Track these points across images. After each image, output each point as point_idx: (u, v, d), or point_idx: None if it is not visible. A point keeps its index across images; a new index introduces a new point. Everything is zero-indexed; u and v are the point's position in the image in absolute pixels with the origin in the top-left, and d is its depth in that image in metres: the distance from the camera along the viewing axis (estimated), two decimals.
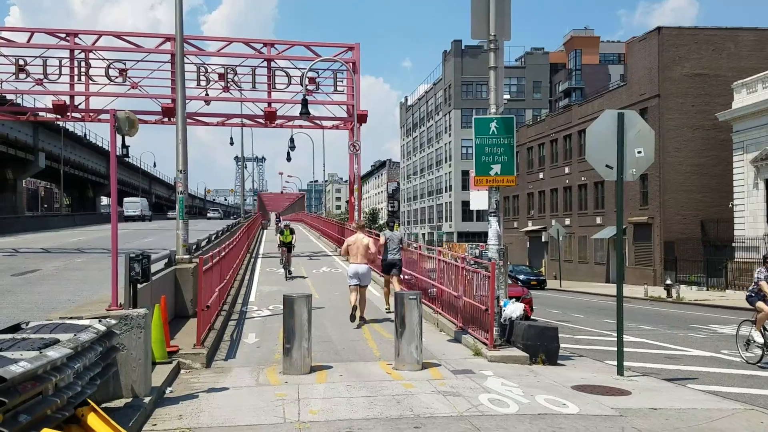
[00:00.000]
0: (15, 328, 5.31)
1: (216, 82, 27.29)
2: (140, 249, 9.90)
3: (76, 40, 26.47)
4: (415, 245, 17.30)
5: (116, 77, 26.55)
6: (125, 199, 65.20)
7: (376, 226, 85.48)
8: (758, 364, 10.80)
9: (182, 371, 8.55)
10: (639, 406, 7.14)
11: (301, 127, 31.76)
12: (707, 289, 33.78)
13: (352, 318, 12.19)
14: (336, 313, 13.80)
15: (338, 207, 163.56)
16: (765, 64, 36.25)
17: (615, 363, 9.22)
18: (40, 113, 31.63)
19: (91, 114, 27.62)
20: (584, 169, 45.57)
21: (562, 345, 10.41)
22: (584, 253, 47.73)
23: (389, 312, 13.24)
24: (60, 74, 26.23)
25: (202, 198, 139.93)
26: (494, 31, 10.23)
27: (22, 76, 26.08)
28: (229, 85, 27.30)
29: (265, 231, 52.16)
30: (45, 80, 26.22)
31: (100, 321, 5.76)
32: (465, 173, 68.49)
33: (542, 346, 9.74)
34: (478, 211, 68.71)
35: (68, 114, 27.08)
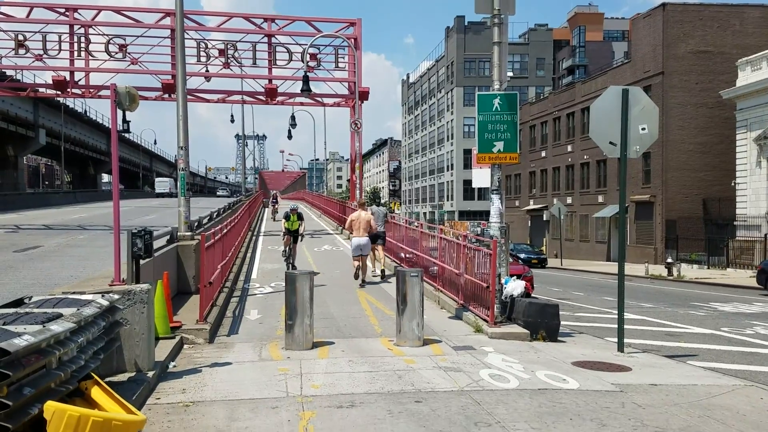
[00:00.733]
0: (18, 303, 5.33)
1: (216, 58, 27.04)
2: (142, 226, 9.91)
3: (76, 15, 26.19)
4: (416, 223, 17.30)
5: (116, 53, 26.32)
6: (157, 179, 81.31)
7: (377, 204, 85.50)
8: None
9: (185, 346, 8.60)
10: (639, 382, 7.18)
11: (302, 104, 31.54)
12: (708, 268, 33.83)
13: (356, 276, 14.85)
14: (338, 291, 13.84)
15: (339, 186, 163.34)
16: None
17: (615, 340, 9.27)
18: (40, 89, 31.38)
19: (92, 90, 27.44)
20: (587, 148, 45.37)
21: (562, 322, 10.44)
22: (585, 231, 47.73)
23: (375, 276, 15.56)
24: (60, 50, 25.99)
25: (203, 176, 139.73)
26: (498, 5, 10.11)
27: (21, 51, 25.84)
28: (229, 61, 27.07)
29: (266, 209, 52.16)
30: (45, 56, 25.99)
31: (102, 296, 5.77)
32: (467, 152, 68.24)
33: (543, 323, 9.78)
34: (479, 190, 68.69)
35: (68, 90, 26.90)
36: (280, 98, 29.20)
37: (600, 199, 45.13)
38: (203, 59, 26.99)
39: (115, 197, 8.07)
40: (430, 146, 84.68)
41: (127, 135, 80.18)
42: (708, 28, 38.20)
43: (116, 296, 6.14)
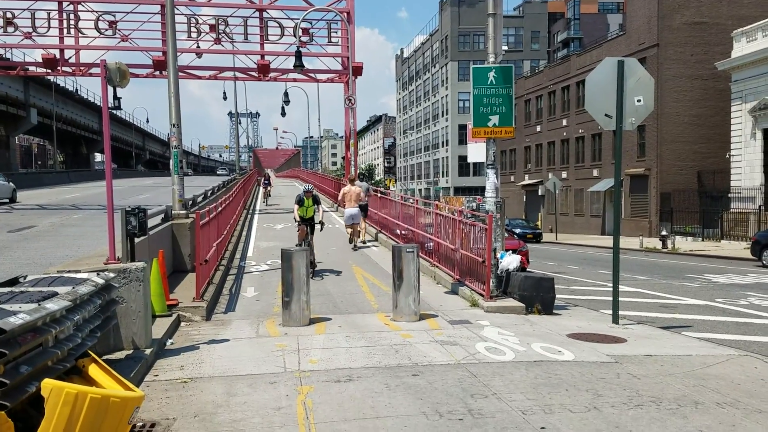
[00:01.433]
0: (13, 282, 5.31)
1: (207, 33, 26.72)
2: (136, 204, 9.87)
3: None
4: (412, 200, 17.30)
5: (106, 30, 25.96)
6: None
7: (373, 182, 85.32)
8: None
9: (182, 324, 8.62)
10: (634, 353, 7.24)
11: (295, 80, 31.25)
12: (702, 240, 34.00)
13: (350, 242, 17.14)
14: (334, 267, 13.86)
15: (334, 163, 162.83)
16: (765, 12, 35.59)
17: (610, 312, 9.32)
18: (30, 68, 31.03)
19: (82, 68, 27.11)
20: (582, 121, 45.24)
21: (557, 295, 10.50)
22: (580, 206, 47.81)
23: (359, 247, 17.16)
24: (49, 27, 25.62)
25: (197, 154, 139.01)
26: None
27: (10, 29, 25.46)
28: (220, 36, 26.74)
29: (261, 187, 52.03)
30: (34, 33, 25.61)
31: (98, 274, 5.75)
32: (462, 127, 67.97)
33: (538, 297, 9.83)
34: (474, 166, 68.56)
35: (58, 68, 26.58)
36: (272, 74, 28.94)
37: (595, 173, 45.13)
38: (194, 35, 26.67)
39: (108, 175, 8.00)
40: (424, 122, 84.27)
41: (119, 113, 79.81)
42: None
43: (112, 274, 6.12)
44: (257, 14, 27.14)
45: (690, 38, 37.75)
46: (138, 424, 4.83)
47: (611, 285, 9.35)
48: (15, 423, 3.65)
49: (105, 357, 5.96)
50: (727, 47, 34.62)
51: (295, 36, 25.72)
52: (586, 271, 19.53)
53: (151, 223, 10.24)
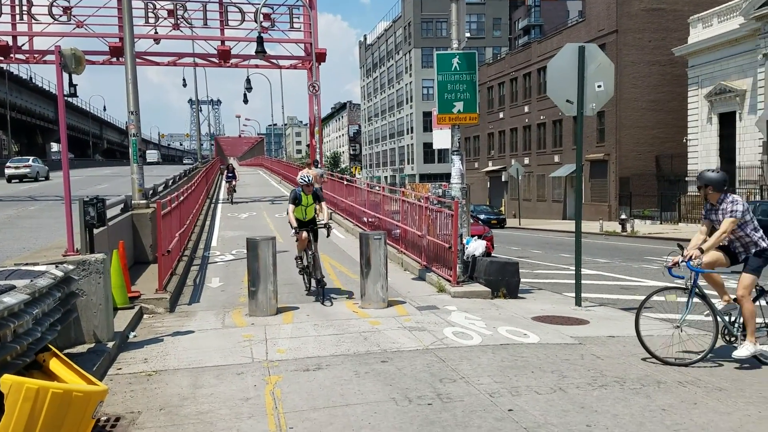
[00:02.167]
0: None
1: (165, 19, 26.12)
2: (94, 195, 9.62)
3: None
4: (378, 187, 17.27)
5: (60, 16, 25.18)
6: (148, 152, 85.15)
7: (339, 169, 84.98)
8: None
9: (145, 316, 8.46)
10: (597, 334, 7.39)
11: (257, 66, 30.84)
12: (661, 223, 34.85)
13: None
14: None
15: (299, 151, 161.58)
16: None
17: (573, 295, 9.49)
18: None
19: (36, 55, 26.27)
20: (543, 108, 45.77)
21: (522, 279, 10.64)
22: (542, 191, 48.50)
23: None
24: (0, 13, 24.70)
25: (156, 143, 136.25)
26: None
27: None
28: (179, 22, 26.18)
29: (224, 181, 51.34)
30: None
31: (57, 267, 5.59)
32: (426, 114, 68.13)
33: (503, 281, 9.94)
34: (439, 153, 68.91)
35: (11, 55, 25.70)
36: (233, 60, 28.48)
37: (556, 158, 45.79)
38: (152, 21, 26.06)
39: (64, 165, 7.77)
40: (389, 109, 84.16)
41: (75, 102, 77.56)
42: None
43: (71, 267, 5.96)
44: None
45: (648, 24, 38.44)
46: (102, 419, 4.73)
47: (573, 268, 9.51)
48: None
49: (66, 351, 5.81)
50: (684, 33, 35.38)
51: (256, 21, 25.34)
52: (548, 255, 19.84)
53: (110, 213, 10.01)
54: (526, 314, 8.51)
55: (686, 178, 34.93)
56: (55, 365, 4.44)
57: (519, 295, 10.08)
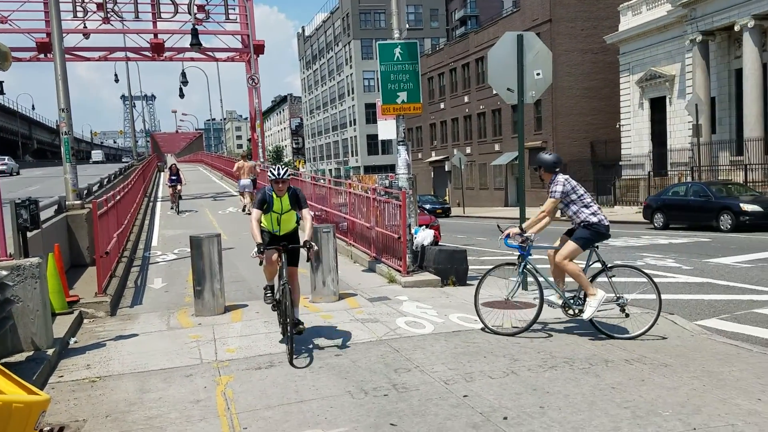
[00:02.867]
0: None
1: (94, 12, 25.09)
2: (26, 196, 9.15)
3: None
4: (324, 180, 17.14)
5: None
6: (93, 152, 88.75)
7: (282, 163, 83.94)
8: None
9: (85, 321, 8.13)
10: (544, 317, 7.53)
11: (192, 59, 30.11)
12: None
13: (244, 209, 19.79)
14: (248, 253, 13.50)
15: (240, 146, 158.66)
16: None
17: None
18: None
19: None
20: (483, 98, 46.43)
21: (470, 266, 10.75)
22: (485, 179, 49.28)
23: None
24: None
25: (89, 141, 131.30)
26: None
27: None
28: (109, 15, 25.20)
29: (162, 173, 50.00)
30: None
31: None
32: (369, 106, 68.07)
33: (452, 269, 10.02)
34: (383, 145, 69.01)
35: None
36: (167, 54, 27.67)
37: (497, 147, 46.57)
38: (80, 15, 24.98)
39: None
40: (331, 102, 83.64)
41: (1, 100, 73.70)
42: None
43: (4, 272, 5.65)
44: None
45: (580, 13, 39.44)
46: (45, 429, 4.51)
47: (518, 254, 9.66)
48: None
49: (3, 360, 5.51)
50: (614, 21, 36.46)
51: (189, 13, 24.66)
52: (493, 242, 20.15)
53: (44, 215, 9.56)
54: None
55: (620, 163, 36.11)
56: None
57: (468, 282, 10.18)
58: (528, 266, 6.94)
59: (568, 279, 6.93)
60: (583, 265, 6.81)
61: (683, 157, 30.29)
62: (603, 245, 17.09)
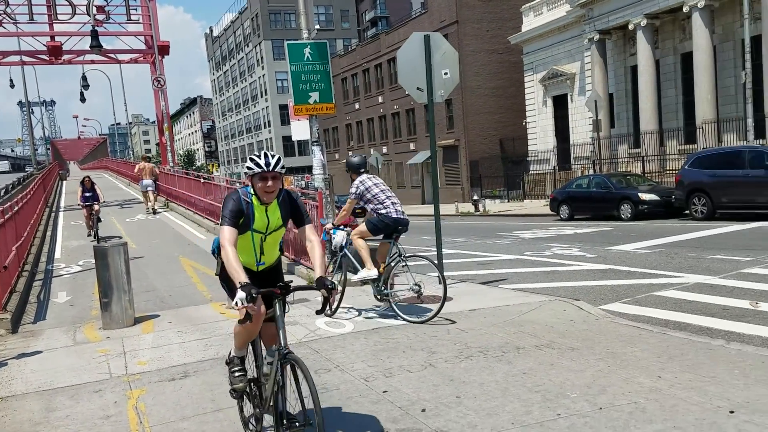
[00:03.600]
0: None
1: None
2: None
3: None
4: (224, 182, 16.82)
5: None
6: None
7: (194, 167, 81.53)
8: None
9: None
10: (460, 309, 7.73)
11: (93, 62, 28.73)
12: (508, 201, 37.21)
13: (154, 212, 22.05)
14: (159, 261, 13.09)
15: (148, 150, 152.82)
16: None
17: (436, 274, 9.84)
18: None
19: None
20: (396, 98, 46.98)
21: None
22: (401, 178, 49.91)
23: (157, 211, 22.59)
24: None
25: None
26: None
27: None
28: (1, 18, 23.63)
29: (64, 182, 47.45)
30: None
31: None
32: (283, 107, 67.23)
33: None
34: (299, 146, 68.39)
35: None
36: (66, 57, 26.29)
37: (412, 146, 47.27)
38: None
39: None
40: (243, 103, 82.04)
41: None
42: None
43: None
44: None
45: (485, 14, 40.67)
46: None
47: (435, 249, 9.87)
48: None
49: None
50: (518, 22, 37.82)
51: (88, 14, 23.54)
52: (411, 239, 20.43)
53: None
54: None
55: (528, 159, 37.52)
56: None
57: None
58: (344, 257, 8.04)
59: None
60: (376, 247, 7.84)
61: (585, 151, 31.83)
62: (515, 238, 17.66)
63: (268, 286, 3.80)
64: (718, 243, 12.50)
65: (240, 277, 3.53)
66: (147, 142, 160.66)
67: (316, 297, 8.87)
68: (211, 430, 4.42)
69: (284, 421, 3.70)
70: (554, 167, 34.15)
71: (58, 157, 75.34)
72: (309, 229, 4.05)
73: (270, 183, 3.75)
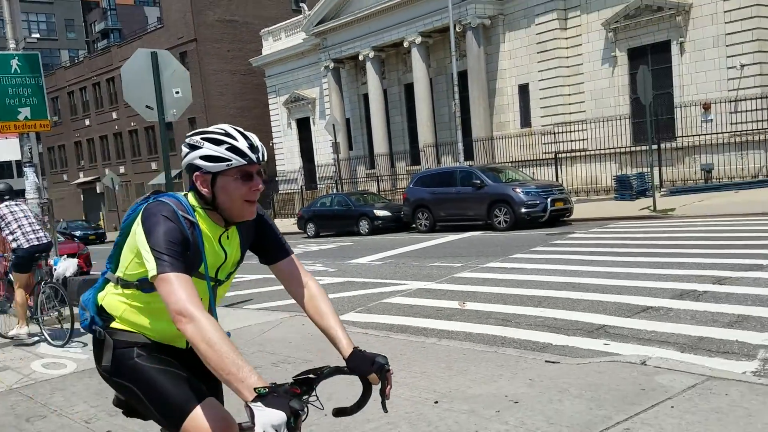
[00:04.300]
0: None
1: None
2: None
3: None
4: None
5: None
6: None
7: None
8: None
9: None
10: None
11: None
12: None
13: None
14: None
15: None
16: (286, 14, 40.74)
17: None
18: None
19: None
20: (133, 114, 44.13)
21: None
22: None
23: None
24: None
25: None
26: None
27: None
28: None
29: None
30: None
31: None
32: None
33: None
34: (18, 167, 60.17)
35: None
36: None
37: (153, 165, 44.86)
38: None
39: None
40: None
41: None
42: None
43: None
44: None
45: (225, 35, 40.57)
46: None
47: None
48: None
49: None
50: (258, 44, 38.43)
51: None
52: None
53: None
54: None
55: (276, 179, 38.18)
56: None
57: None
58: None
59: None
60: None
61: (329, 172, 33.48)
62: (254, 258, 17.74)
63: (203, 375, 2.23)
64: (437, 252, 14.12)
65: (248, 376, 1.83)
66: None
67: (34, 337, 7.94)
68: None
69: None
70: (301, 186, 35.26)
71: None
72: (298, 266, 2.45)
73: (261, 183, 2.23)
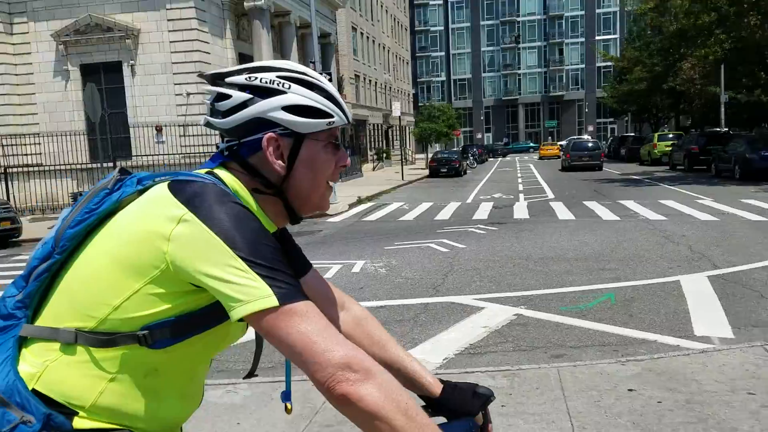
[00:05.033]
0: None
1: None
2: None
3: None
4: None
5: None
6: None
7: None
8: None
9: None
10: None
11: None
12: None
13: None
14: None
15: None
16: None
17: None
18: None
19: None
20: None
21: None
22: None
23: None
24: None
25: None
26: None
27: None
28: None
29: None
30: None
31: None
32: None
33: None
34: None
35: None
36: None
37: None
38: None
39: None
40: None
41: None
42: None
43: None
44: None
45: None
46: None
47: None
48: None
49: None
50: None
51: None
52: None
53: None
54: None
55: None
56: None
57: None
58: None
59: None
60: None
61: None
62: None
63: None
64: None
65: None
66: None
67: None
68: None
69: None
70: None
71: None
72: (325, 281, 1.59)
73: (348, 157, 1.37)
